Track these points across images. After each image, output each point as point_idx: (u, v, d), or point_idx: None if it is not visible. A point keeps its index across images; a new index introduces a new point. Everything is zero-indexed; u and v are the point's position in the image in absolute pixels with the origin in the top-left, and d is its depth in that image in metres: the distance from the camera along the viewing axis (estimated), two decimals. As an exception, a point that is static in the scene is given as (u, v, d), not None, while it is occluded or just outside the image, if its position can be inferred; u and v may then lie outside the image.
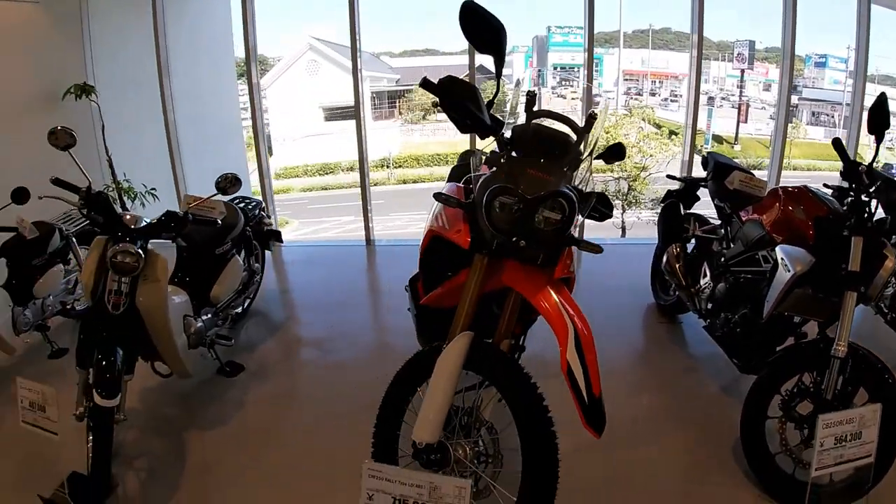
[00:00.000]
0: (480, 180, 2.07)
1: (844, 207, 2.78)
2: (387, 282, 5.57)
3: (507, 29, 1.92)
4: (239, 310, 4.29)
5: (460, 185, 2.52)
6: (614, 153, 2.32)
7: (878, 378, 2.46)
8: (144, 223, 2.92)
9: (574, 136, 2.18)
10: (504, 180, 1.97)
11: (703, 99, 32.74)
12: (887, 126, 2.74)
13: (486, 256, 2.07)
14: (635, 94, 33.92)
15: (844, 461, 2.26)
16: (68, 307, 4.27)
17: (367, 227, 6.68)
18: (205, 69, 7.88)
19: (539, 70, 30.35)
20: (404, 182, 26.21)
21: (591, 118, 2.15)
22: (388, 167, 25.98)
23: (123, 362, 2.68)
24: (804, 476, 2.43)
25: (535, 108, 2.20)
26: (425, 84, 1.98)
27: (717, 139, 30.03)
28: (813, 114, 31.61)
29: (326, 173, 26.56)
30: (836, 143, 2.81)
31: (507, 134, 2.09)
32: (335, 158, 26.32)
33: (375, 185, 25.31)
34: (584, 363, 1.86)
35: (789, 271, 2.76)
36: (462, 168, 3.56)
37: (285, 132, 27.74)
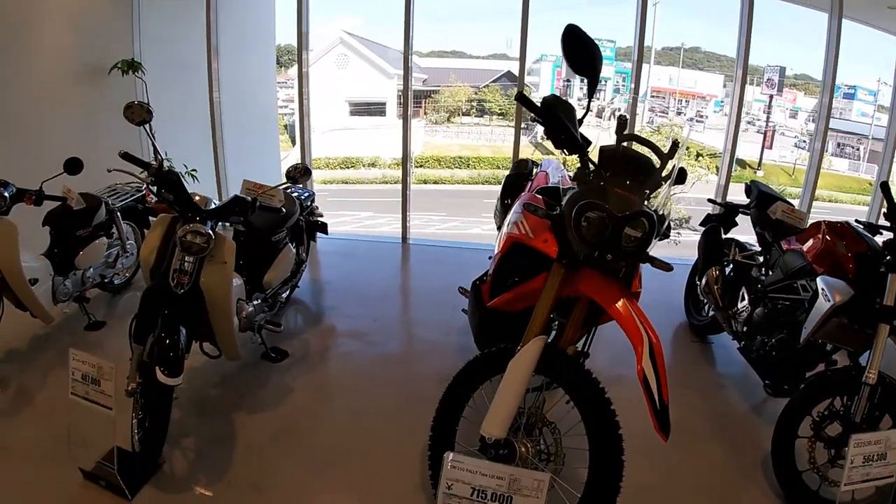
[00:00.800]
0: (568, 195, 2.19)
1: (881, 245, 2.92)
2: (424, 279, 5.69)
3: (602, 52, 2.07)
4: (285, 297, 4.37)
5: (538, 195, 2.61)
6: (678, 178, 2.40)
7: None
8: (214, 205, 3.01)
9: (657, 161, 2.29)
10: (593, 196, 2.09)
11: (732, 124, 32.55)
12: None
13: (565, 266, 2.20)
14: (660, 111, 33.85)
15: (870, 479, 2.44)
16: (107, 280, 4.38)
17: (404, 225, 6.82)
18: (248, 55, 7.96)
19: (568, 81, 30.33)
20: (424, 182, 26.23)
21: (674, 146, 2.28)
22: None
23: (186, 342, 2.77)
24: (829, 493, 2.66)
25: (626, 132, 2.28)
26: (523, 99, 2.14)
27: (741, 163, 29.85)
28: (838, 145, 31.45)
29: (348, 167, 26.68)
30: (884, 186, 2.95)
31: (594, 153, 2.20)
32: (358, 154, 26.45)
33: (396, 182, 25.39)
34: (657, 371, 1.97)
35: (829, 301, 2.93)
36: (517, 177, 3.77)
37: (312, 123, 27.43)
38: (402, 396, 3.50)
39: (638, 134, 2.42)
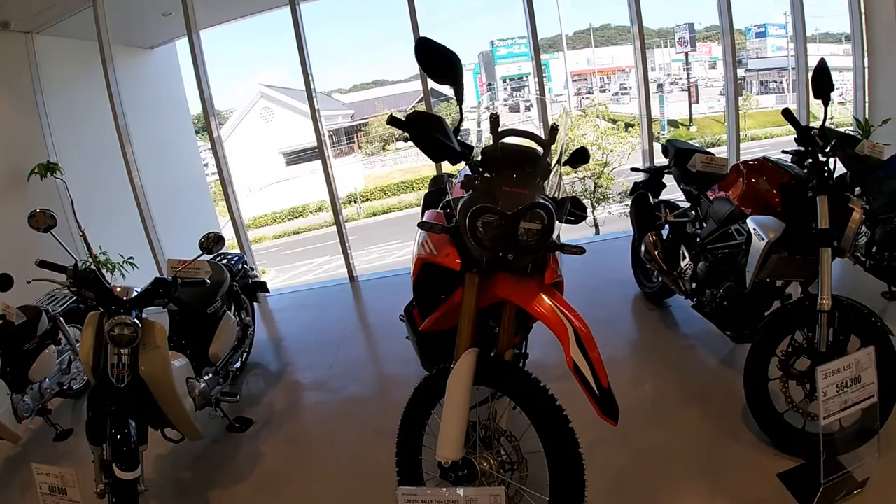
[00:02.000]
0: (460, 204, 2.15)
1: (805, 170, 2.91)
2: (377, 314, 5.58)
3: (460, 58, 2.06)
4: (237, 365, 4.25)
5: (439, 211, 2.60)
6: (579, 157, 2.43)
7: (866, 323, 2.58)
8: (136, 292, 2.94)
9: (540, 149, 2.28)
10: (482, 200, 2.06)
11: (652, 87, 33.33)
12: (831, 89, 2.88)
13: (478, 274, 2.17)
14: (586, 92, 34.36)
15: (850, 406, 2.36)
16: (65, 388, 4.23)
17: (348, 265, 6.71)
18: (164, 130, 7.90)
19: (490, 84, 30.64)
20: (374, 214, 26.21)
21: (553, 129, 2.25)
22: (356, 202, 26.04)
23: (137, 433, 2.69)
24: (815, 428, 2.48)
25: (500, 129, 2.26)
26: (393, 121, 2.09)
27: (673, 124, 30.53)
28: (762, 83, 32.36)
29: (295, 217, 26.55)
30: (786, 112, 2.94)
31: (478, 157, 2.19)
32: (302, 201, 26.30)
33: (347, 221, 25.30)
34: (589, 358, 1.95)
35: (763, 239, 2.92)
36: (435, 193, 3.67)
37: (249, 182, 27.46)
38: (373, 435, 3.44)
39: (513, 127, 2.37)
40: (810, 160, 2.84)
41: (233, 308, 4.24)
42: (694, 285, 3.75)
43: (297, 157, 26.84)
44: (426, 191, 3.88)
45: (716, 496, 2.60)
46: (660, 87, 32.91)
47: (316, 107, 6.41)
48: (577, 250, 2.18)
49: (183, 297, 3.53)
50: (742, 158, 3.52)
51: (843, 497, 2.45)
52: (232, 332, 3.99)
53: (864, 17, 7.30)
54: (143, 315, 2.91)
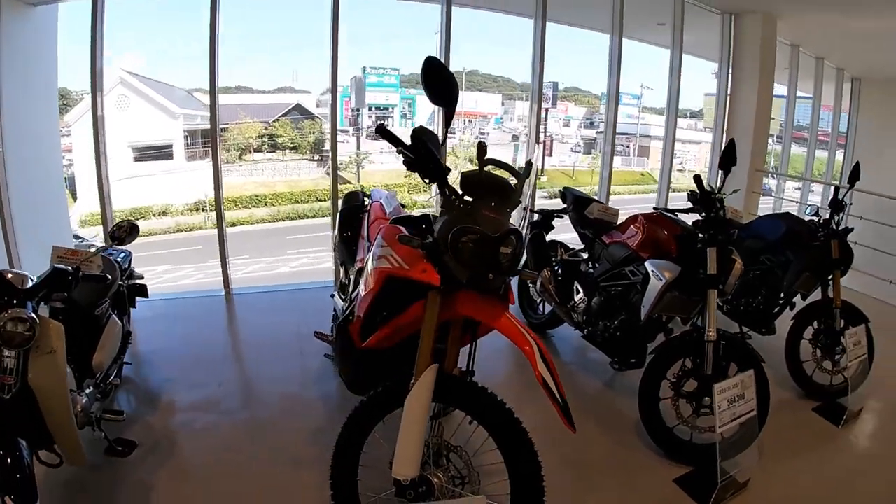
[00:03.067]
0: (439, 223, 2.27)
1: (693, 225, 3.58)
2: (263, 330, 5.21)
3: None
4: (118, 379, 3.72)
5: (397, 225, 2.60)
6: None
7: (743, 351, 3.30)
8: (31, 282, 2.51)
9: (513, 180, 2.45)
10: (465, 222, 2.19)
11: (508, 137, 35.16)
12: (734, 163, 3.69)
13: (442, 291, 2.24)
14: (449, 132, 35.18)
15: (737, 417, 3.00)
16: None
17: (224, 275, 6.31)
18: (29, 101, 6.99)
19: (357, 111, 30.62)
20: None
21: (528, 165, 2.46)
22: (204, 210, 24.81)
23: (30, 455, 2.28)
24: (701, 440, 3.26)
25: (486, 157, 2.45)
26: (386, 133, 2.19)
27: (525, 172, 31.75)
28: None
29: (137, 219, 24.61)
30: (697, 178, 3.56)
31: (456, 180, 2.31)
32: (146, 202, 24.63)
33: (192, 230, 24.08)
34: (551, 372, 2.13)
35: (661, 279, 3.48)
36: (353, 211, 3.89)
37: (92, 175, 25.07)
38: (278, 464, 3.19)
39: (495, 158, 2.54)
40: (702, 217, 3.44)
41: (116, 311, 3.66)
42: (586, 318, 4.19)
43: (147, 154, 25.20)
44: (341, 209, 4.01)
45: (627, 498, 3.07)
46: (515, 137, 34.53)
47: (217, 104, 5.94)
48: (532, 275, 2.44)
49: (74, 295, 2.98)
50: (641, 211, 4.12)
51: (731, 495, 3.04)
52: (118, 339, 3.46)
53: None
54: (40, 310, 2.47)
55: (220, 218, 6.30)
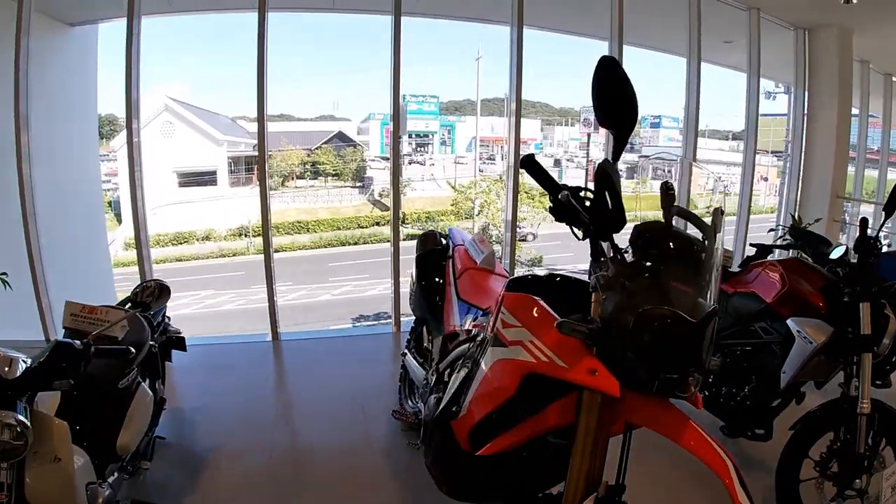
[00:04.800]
0: (609, 298, 1.69)
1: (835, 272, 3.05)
2: (315, 388, 4.56)
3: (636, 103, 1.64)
4: (148, 462, 3.04)
5: (535, 298, 1.93)
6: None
7: None
8: (24, 365, 1.97)
9: (700, 236, 1.89)
10: (651, 299, 1.62)
11: (550, 161, 34.86)
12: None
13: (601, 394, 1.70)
14: (487, 157, 35.03)
15: None
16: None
17: (273, 321, 5.74)
18: (66, 125, 6.79)
19: (399, 138, 30.61)
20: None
21: (717, 214, 1.85)
22: (247, 236, 24.88)
23: None
24: None
25: (674, 204, 1.87)
26: (531, 164, 1.75)
27: (567, 199, 31.59)
28: (654, 169, 34.45)
29: (181, 243, 24.84)
30: (864, 221, 2.94)
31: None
32: (189, 227, 24.77)
33: (234, 255, 24.08)
34: (749, 497, 1.62)
35: (811, 342, 2.93)
36: (430, 255, 3.48)
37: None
38: None
39: (684, 207, 1.99)
40: (856, 267, 2.91)
41: (146, 378, 3.08)
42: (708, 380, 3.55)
43: (191, 180, 25.44)
44: (418, 253, 3.60)
45: None
46: (557, 162, 34.21)
47: (266, 130, 5.70)
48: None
49: (90, 369, 2.31)
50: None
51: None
52: (147, 412, 2.86)
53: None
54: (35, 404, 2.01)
55: (268, 261, 5.85)
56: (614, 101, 1.61)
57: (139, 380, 2.81)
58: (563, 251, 22.48)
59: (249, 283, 19.62)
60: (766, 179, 31.78)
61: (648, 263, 1.69)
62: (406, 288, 4.25)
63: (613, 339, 1.64)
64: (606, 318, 1.67)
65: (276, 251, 23.55)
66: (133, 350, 2.34)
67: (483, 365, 1.99)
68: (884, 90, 10.38)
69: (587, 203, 1.70)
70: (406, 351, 3.62)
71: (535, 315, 1.83)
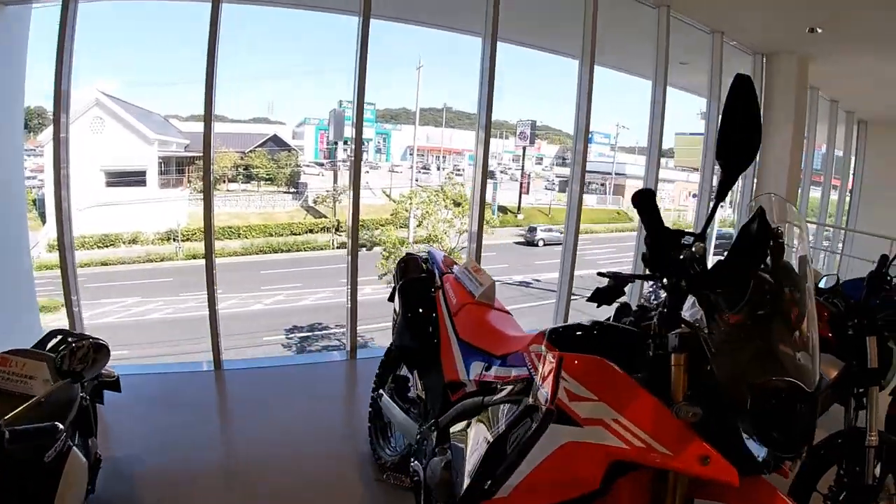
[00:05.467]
0: (718, 365, 1.46)
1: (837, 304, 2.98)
2: (273, 426, 3.89)
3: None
4: None
5: (610, 363, 1.61)
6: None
7: None
8: None
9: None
10: (767, 364, 1.45)
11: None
12: None
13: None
14: (421, 167, 34.96)
15: None
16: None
17: (215, 347, 5.01)
18: None
19: (335, 143, 30.26)
20: (194, 257, 24.03)
21: (803, 262, 1.64)
22: (175, 240, 23.96)
23: None
24: None
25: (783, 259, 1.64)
26: (646, 200, 1.53)
27: (503, 209, 31.87)
28: (587, 183, 35.61)
29: (106, 246, 23.72)
30: (883, 258, 3.02)
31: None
32: (115, 229, 23.60)
33: (162, 260, 23.16)
34: None
35: (825, 378, 2.83)
36: (415, 286, 3.07)
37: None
38: None
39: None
40: (863, 299, 2.89)
41: (76, 436, 2.54)
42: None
43: (119, 180, 24.23)
44: (400, 281, 3.16)
45: None
46: (491, 174, 34.48)
47: (213, 131, 5.32)
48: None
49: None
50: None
51: None
52: (82, 482, 2.35)
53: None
54: None
55: (211, 282, 5.20)
56: (742, 127, 1.46)
57: (69, 444, 2.23)
58: (497, 262, 22.60)
59: (179, 291, 18.85)
60: (694, 196, 32.84)
61: (756, 322, 1.51)
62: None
63: (725, 416, 1.45)
64: (710, 388, 1.47)
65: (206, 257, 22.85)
66: (60, 426, 2.04)
67: (542, 445, 1.62)
68: (829, 116, 10.79)
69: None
70: (381, 391, 3.24)
71: (617, 386, 1.54)
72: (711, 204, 1.58)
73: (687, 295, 1.57)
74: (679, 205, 33.67)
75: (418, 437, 2.61)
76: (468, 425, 2.14)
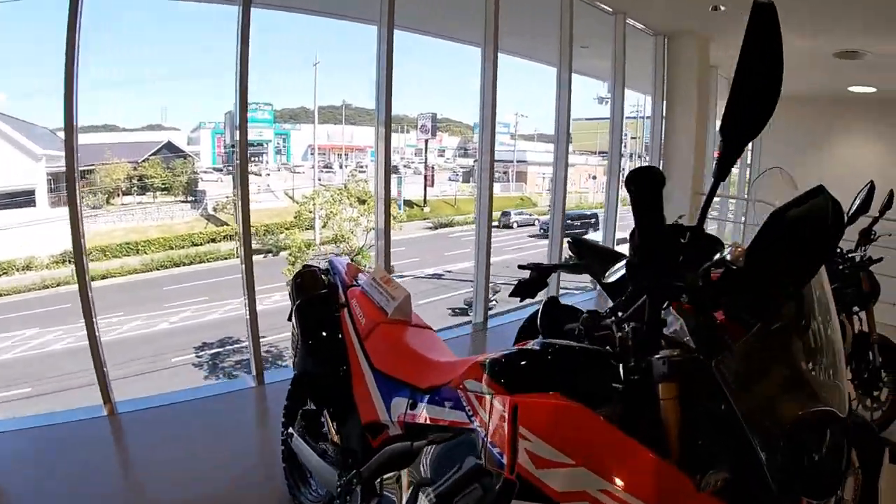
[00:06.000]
0: (737, 400, 1.18)
1: None
2: (180, 484, 3.37)
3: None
4: None
5: (589, 410, 1.28)
6: None
7: None
8: None
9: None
10: (811, 395, 1.21)
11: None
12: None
13: None
14: (323, 167, 34.40)
15: None
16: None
17: (104, 390, 4.40)
18: None
19: (233, 146, 29.28)
20: (92, 278, 22.67)
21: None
22: (70, 262, 22.50)
23: None
24: None
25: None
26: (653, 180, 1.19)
27: (409, 204, 31.83)
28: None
29: (-1, 275, 21.97)
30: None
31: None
32: (5, 256, 21.83)
33: (59, 284, 21.70)
34: None
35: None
36: (314, 304, 2.66)
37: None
38: None
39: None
40: None
41: None
42: None
43: (6, 202, 22.41)
44: (297, 301, 2.76)
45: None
46: (395, 168, 34.38)
47: (76, 141, 4.68)
48: None
49: None
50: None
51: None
52: None
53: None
54: None
55: (89, 314, 4.77)
56: (762, 72, 1.13)
57: None
58: (408, 256, 22.40)
59: (78, 318, 17.74)
60: (594, 178, 33.77)
61: (773, 337, 1.24)
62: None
63: (755, 472, 1.18)
64: (721, 431, 1.21)
65: (104, 277, 21.68)
66: None
67: None
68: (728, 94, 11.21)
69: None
70: (291, 430, 2.83)
71: (599, 440, 1.23)
72: (712, 183, 1.24)
73: (670, 305, 1.29)
74: (580, 187, 34.42)
75: (339, 489, 2.23)
76: (399, 478, 1.82)
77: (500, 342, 4.97)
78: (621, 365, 1.29)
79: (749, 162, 13.27)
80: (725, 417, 1.18)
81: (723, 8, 6.67)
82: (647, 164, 6.19)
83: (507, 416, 1.29)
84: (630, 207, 1.17)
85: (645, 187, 1.14)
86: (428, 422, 1.73)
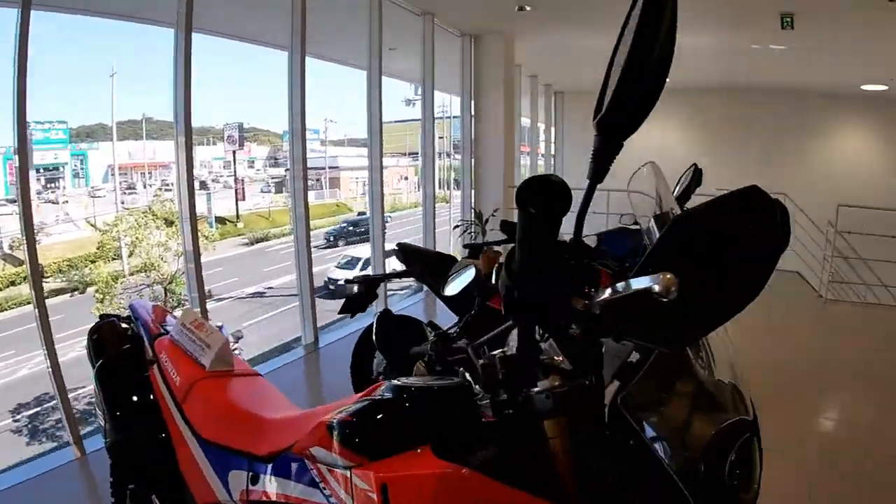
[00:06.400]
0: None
1: None
2: None
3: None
4: None
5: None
6: None
7: None
8: None
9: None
10: (697, 402, 1.17)
11: (195, 185, 33.15)
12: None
13: None
14: (127, 188, 32.35)
15: None
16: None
17: (73, 427, 4.17)
18: None
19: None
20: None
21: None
22: None
23: None
24: None
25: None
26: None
27: (221, 220, 30.74)
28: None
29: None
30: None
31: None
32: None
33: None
34: None
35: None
36: (117, 363, 2.18)
37: None
38: None
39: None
40: None
41: None
42: None
43: None
44: (96, 364, 2.21)
45: None
46: (203, 184, 32.95)
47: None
48: None
49: None
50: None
51: None
52: None
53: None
54: None
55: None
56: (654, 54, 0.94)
57: None
58: (225, 277, 21.51)
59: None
60: (406, 178, 34.38)
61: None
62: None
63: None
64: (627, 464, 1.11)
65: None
66: None
67: None
68: (531, 90, 11.84)
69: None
70: None
71: None
72: (587, 185, 1.05)
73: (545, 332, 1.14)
74: (393, 188, 34.87)
75: None
76: None
77: (336, 364, 4.69)
78: (489, 399, 1.13)
79: (542, 153, 14.16)
80: (619, 445, 1.10)
81: (528, 8, 7.00)
82: (544, 172, 5.96)
83: (375, 495, 1.10)
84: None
85: (540, 203, 0.94)
86: (278, 499, 1.44)
